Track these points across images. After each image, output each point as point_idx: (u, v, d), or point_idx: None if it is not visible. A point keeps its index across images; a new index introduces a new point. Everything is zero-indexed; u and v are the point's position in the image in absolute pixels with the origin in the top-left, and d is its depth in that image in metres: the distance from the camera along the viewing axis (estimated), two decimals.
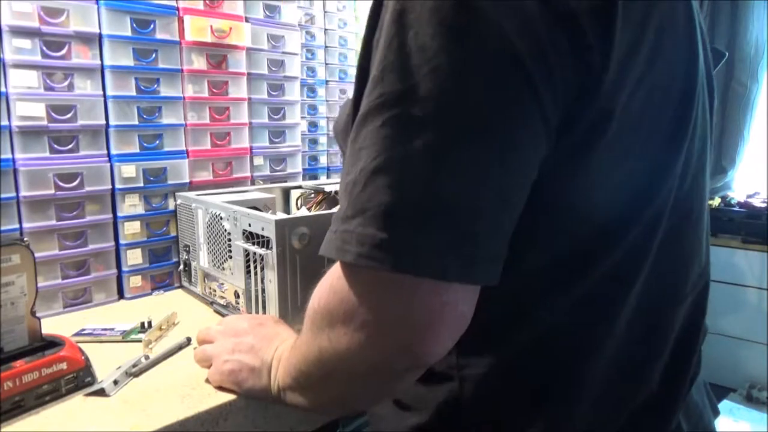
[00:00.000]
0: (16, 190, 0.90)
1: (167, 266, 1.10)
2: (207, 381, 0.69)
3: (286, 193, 1.21)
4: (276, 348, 0.63)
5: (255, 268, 0.85)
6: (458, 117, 0.39)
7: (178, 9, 1.07)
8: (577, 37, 0.40)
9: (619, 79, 0.43)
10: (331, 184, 1.23)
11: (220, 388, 0.67)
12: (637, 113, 0.46)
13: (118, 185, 1.01)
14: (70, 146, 0.95)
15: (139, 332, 0.84)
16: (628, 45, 0.43)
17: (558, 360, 0.50)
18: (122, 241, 1.03)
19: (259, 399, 0.65)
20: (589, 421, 0.50)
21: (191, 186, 1.11)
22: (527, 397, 0.50)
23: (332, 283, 0.46)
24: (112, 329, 0.85)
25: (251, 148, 1.22)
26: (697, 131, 0.53)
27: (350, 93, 1.54)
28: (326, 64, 1.49)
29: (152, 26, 1.03)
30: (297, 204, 1.16)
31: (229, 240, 0.90)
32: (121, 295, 1.04)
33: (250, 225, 0.85)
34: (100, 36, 0.97)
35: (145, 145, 1.04)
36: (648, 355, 0.54)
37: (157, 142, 1.06)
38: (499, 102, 0.39)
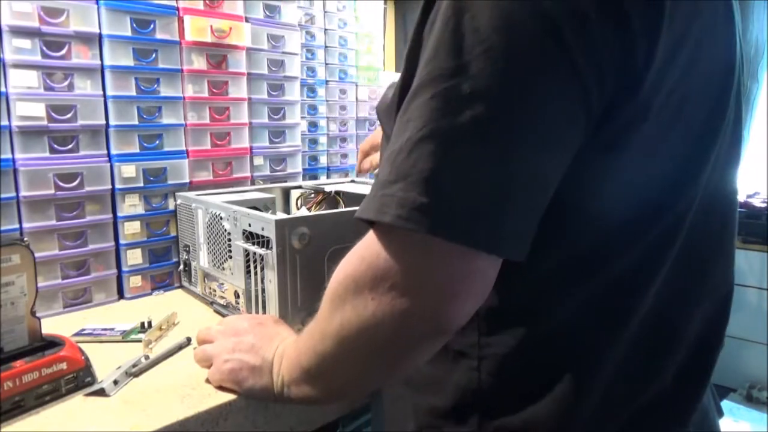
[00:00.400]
0: (16, 190, 0.90)
1: (167, 266, 1.10)
2: (207, 381, 0.69)
3: (286, 193, 1.21)
4: (277, 347, 0.63)
5: (255, 268, 0.85)
6: (504, 96, 0.41)
7: (178, 9, 1.07)
8: (625, 30, 0.42)
9: (660, 77, 0.44)
10: (331, 184, 1.23)
11: (221, 387, 0.67)
12: (672, 113, 0.47)
13: (118, 185, 1.01)
14: (70, 146, 0.95)
15: (139, 332, 0.84)
16: (672, 43, 0.45)
17: (575, 349, 0.51)
18: (122, 241, 1.03)
19: (259, 399, 0.65)
20: (597, 411, 0.50)
21: (191, 186, 1.11)
22: (542, 382, 0.51)
23: (361, 252, 0.47)
24: (112, 329, 0.85)
25: (251, 148, 1.22)
26: (727, 137, 0.54)
27: (350, 92, 1.54)
28: (326, 64, 1.49)
29: (152, 26, 1.03)
30: (297, 204, 1.16)
31: (229, 240, 0.90)
32: (121, 295, 1.04)
33: (250, 225, 0.85)
34: (100, 36, 0.97)
35: (145, 145, 1.04)
36: (660, 351, 0.54)
37: (157, 142, 1.06)
38: (543, 86, 0.41)
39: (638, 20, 0.42)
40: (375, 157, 1.13)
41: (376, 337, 0.48)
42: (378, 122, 1.18)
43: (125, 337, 0.83)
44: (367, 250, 0.47)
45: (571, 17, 0.41)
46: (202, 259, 1.00)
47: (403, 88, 0.49)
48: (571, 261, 0.49)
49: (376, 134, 1.15)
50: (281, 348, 0.63)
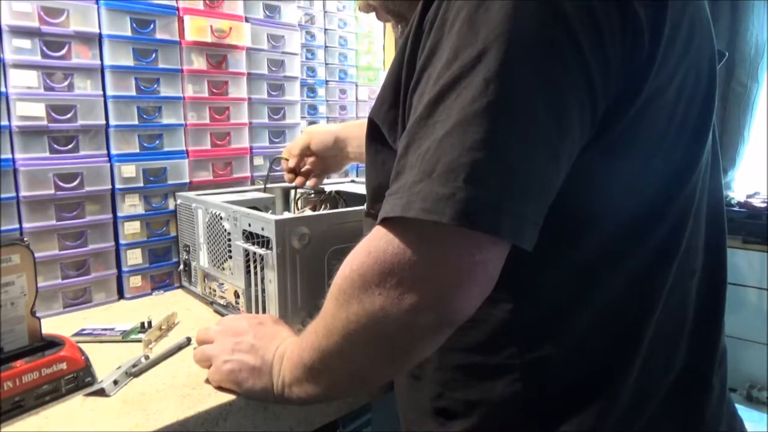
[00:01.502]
0: (16, 190, 0.90)
1: (167, 266, 1.10)
2: (207, 381, 0.69)
3: (286, 193, 1.21)
4: (277, 347, 0.63)
5: (255, 268, 0.85)
6: (516, 84, 0.42)
7: (178, 9, 1.07)
8: (631, 23, 0.43)
9: (660, 70, 0.46)
10: (331, 184, 1.23)
11: (220, 388, 0.67)
12: (670, 107, 0.49)
13: (118, 185, 1.01)
14: (70, 146, 0.95)
15: (139, 332, 0.84)
16: (670, 31, 0.46)
17: (616, 337, 0.52)
18: (122, 241, 1.03)
19: (258, 399, 0.65)
20: (638, 391, 0.52)
21: (191, 186, 1.11)
22: (592, 376, 0.51)
23: (367, 247, 0.48)
24: (112, 329, 0.85)
25: (251, 148, 1.22)
26: (713, 127, 0.56)
27: (350, 92, 1.54)
28: (326, 64, 1.49)
29: (152, 26, 1.03)
30: (297, 204, 1.16)
31: (229, 240, 0.90)
32: (121, 295, 1.04)
33: (250, 225, 0.85)
34: (100, 36, 0.97)
35: (145, 145, 1.04)
36: (679, 324, 0.56)
37: (157, 142, 1.06)
38: (555, 75, 0.42)
39: (643, 13, 0.44)
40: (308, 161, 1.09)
41: (384, 332, 0.48)
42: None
43: (125, 337, 0.83)
44: (374, 246, 0.47)
45: (579, 10, 0.42)
46: (202, 259, 1.00)
47: (399, 89, 0.49)
48: (603, 251, 0.50)
49: (301, 142, 1.08)
50: (281, 348, 0.63)
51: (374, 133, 0.58)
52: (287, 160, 1.08)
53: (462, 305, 0.46)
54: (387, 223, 0.46)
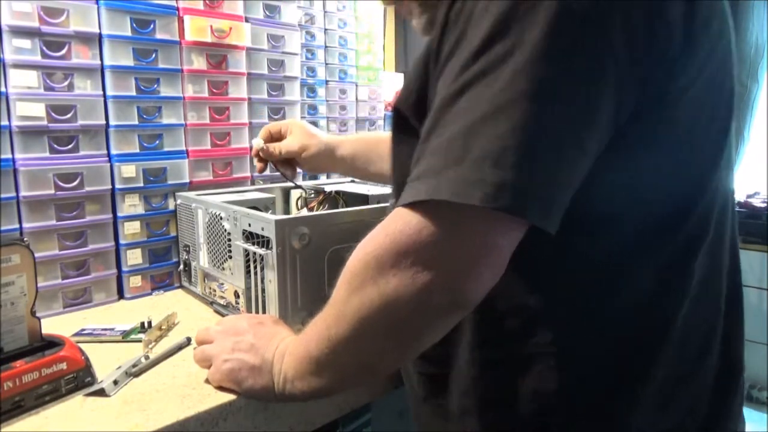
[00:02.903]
0: (16, 190, 0.90)
1: (167, 266, 1.10)
2: (207, 381, 0.69)
3: (286, 193, 1.21)
4: (277, 345, 0.63)
5: (255, 268, 0.85)
6: (547, 77, 0.43)
7: (178, 9, 1.07)
8: (661, 15, 0.44)
9: (690, 66, 0.47)
10: (331, 184, 1.23)
11: (220, 388, 0.67)
12: (701, 96, 0.49)
13: (118, 185, 1.01)
14: (70, 146, 0.95)
15: (139, 332, 0.84)
16: (701, 28, 0.47)
17: (647, 326, 0.52)
18: (122, 241, 1.03)
19: (258, 398, 0.65)
20: (670, 378, 0.53)
21: (191, 186, 1.11)
22: (623, 364, 0.52)
23: (386, 230, 0.48)
24: (112, 329, 0.85)
25: (251, 148, 1.22)
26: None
27: (350, 92, 1.54)
28: (326, 64, 1.49)
29: (152, 26, 1.03)
30: (297, 204, 1.16)
31: (229, 240, 0.90)
32: (121, 295, 1.04)
33: (250, 225, 0.85)
34: (100, 36, 0.97)
35: (145, 145, 1.04)
36: (712, 317, 0.57)
37: (157, 142, 1.06)
38: (583, 67, 0.43)
39: (674, 10, 0.45)
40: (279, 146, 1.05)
41: (397, 314, 0.48)
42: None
43: (125, 337, 0.83)
44: (392, 228, 0.48)
45: (611, 7, 0.43)
46: (202, 259, 1.00)
47: (426, 80, 0.51)
48: (634, 240, 0.51)
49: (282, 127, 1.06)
50: (282, 346, 0.63)
51: (400, 125, 0.59)
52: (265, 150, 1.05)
53: (475, 287, 0.47)
54: (409, 206, 0.47)
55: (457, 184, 0.43)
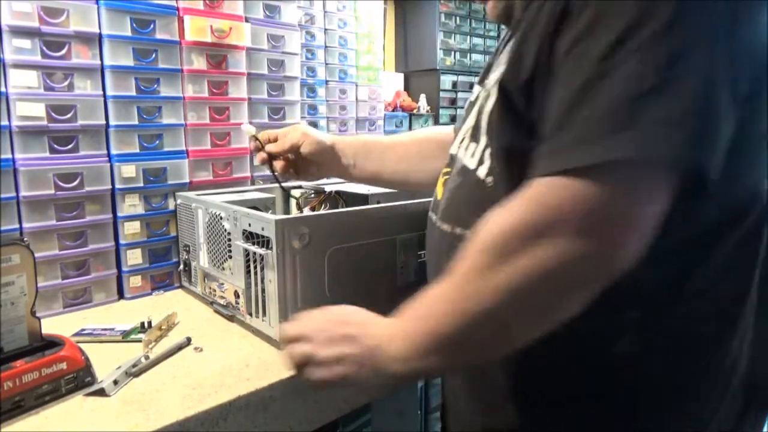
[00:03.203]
0: (16, 190, 0.90)
1: (167, 266, 1.10)
2: (310, 385, 0.63)
3: (286, 194, 1.21)
4: (377, 331, 0.60)
5: (255, 268, 0.85)
6: (706, 45, 0.44)
7: (178, 9, 1.07)
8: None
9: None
10: (331, 184, 1.23)
11: (316, 386, 0.62)
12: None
13: (118, 185, 1.01)
14: (70, 146, 0.95)
15: (139, 332, 0.84)
16: None
17: (722, 306, 0.54)
18: (122, 241, 1.03)
19: (367, 385, 0.63)
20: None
21: (191, 186, 1.11)
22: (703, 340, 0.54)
23: (539, 198, 0.47)
24: (112, 329, 0.85)
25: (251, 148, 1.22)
26: None
27: (350, 92, 1.54)
28: (326, 64, 1.49)
29: (152, 26, 1.03)
30: (297, 204, 1.16)
31: (229, 240, 0.90)
32: (121, 295, 1.04)
33: (250, 225, 0.85)
34: (100, 36, 0.97)
35: (145, 145, 1.04)
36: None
37: (157, 142, 1.06)
38: (721, 48, 0.45)
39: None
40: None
41: (554, 285, 0.47)
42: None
43: (125, 337, 0.83)
44: (545, 196, 0.46)
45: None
46: (202, 259, 1.00)
47: (535, 62, 0.51)
48: (713, 226, 0.52)
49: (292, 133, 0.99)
50: (386, 330, 0.59)
51: (504, 103, 0.57)
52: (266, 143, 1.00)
53: (632, 254, 0.46)
54: (564, 174, 0.46)
55: (623, 144, 0.43)
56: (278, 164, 0.98)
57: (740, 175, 0.52)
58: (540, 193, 0.47)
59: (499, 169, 0.59)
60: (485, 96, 0.64)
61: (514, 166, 0.54)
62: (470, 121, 0.67)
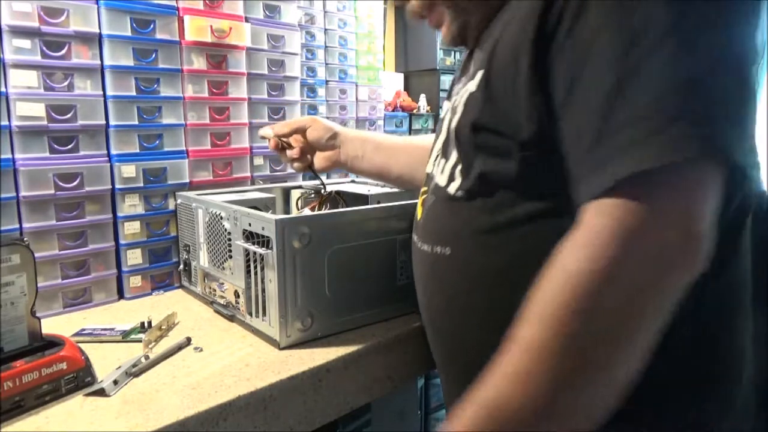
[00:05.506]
0: (16, 190, 0.90)
1: (167, 266, 1.10)
2: None
3: (286, 193, 1.21)
4: None
5: (255, 267, 0.85)
6: (735, 38, 0.44)
7: (178, 9, 1.07)
8: None
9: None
10: (331, 184, 1.23)
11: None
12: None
13: (118, 185, 1.01)
14: (70, 146, 0.95)
15: (139, 332, 0.84)
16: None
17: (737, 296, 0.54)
18: (122, 241, 1.03)
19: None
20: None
21: (191, 186, 1.11)
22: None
23: (610, 239, 0.41)
24: (112, 329, 0.85)
25: (251, 148, 1.22)
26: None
27: (350, 92, 1.54)
28: (326, 64, 1.49)
29: (152, 26, 1.03)
30: (297, 204, 1.16)
31: (229, 240, 0.90)
32: (121, 295, 1.04)
33: (250, 225, 0.85)
34: (100, 36, 0.97)
35: (145, 145, 1.04)
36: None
37: (157, 142, 1.06)
38: (745, 46, 0.44)
39: None
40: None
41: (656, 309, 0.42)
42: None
43: (125, 337, 0.83)
44: (622, 231, 0.41)
45: None
46: (202, 259, 1.00)
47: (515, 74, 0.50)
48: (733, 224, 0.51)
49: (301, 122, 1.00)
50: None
51: (477, 115, 0.55)
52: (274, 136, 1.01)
53: (706, 259, 0.42)
54: (614, 192, 0.41)
55: (693, 141, 0.40)
56: (292, 153, 0.99)
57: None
58: (601, 225, 0.42)
59: (468, 185, 0.58)
60: (452, 112, 0.62)
61: (485, 182, 0.54)
62: (441, 137, 0.66)
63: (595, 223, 0.42)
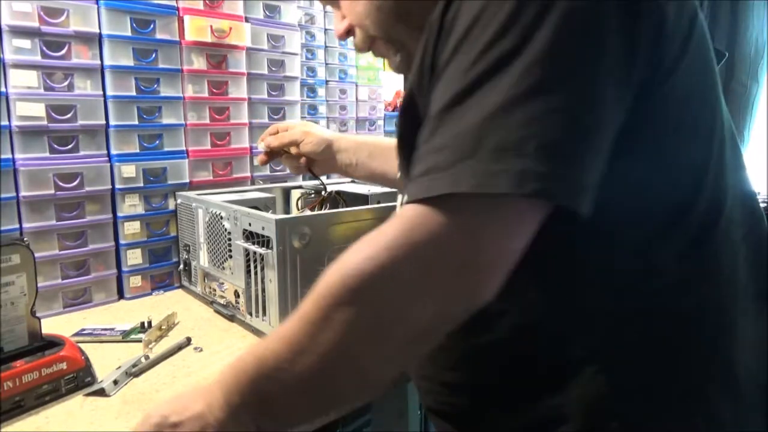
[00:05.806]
0: (16, 190, 0.90)
1: (167, 266, 1.09)
2: None
3: (286, 193, 1.21)
4: (194, 396, 0.52)
5: (255, 267, 0.85)
6: (559, 65, 0.42)
7: (178, 9, 1.07)
8: (655, 10, 0.45)
9: (678, 54, 0.47)
10: (331, 184, 1.23)
11: None
12: (681, 94, 0.49)
13: (118, 185, 1.01)
14: (70, 146, 0.95)
15: (139, 332, 0.84)
16: (688, 18, 0.48)
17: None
18: (122, 241, 1.03)
19: None
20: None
21: (191, 186, 1.11)
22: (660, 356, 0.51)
23: (397, 235, 0.44)
24: (112, 329, 0.85)
25: (251, 148, 1.22)
26: (728, 132, 0.55)
27: (350, 92, 1.54)
28: (326, 64, 1.49)
29: (152, 26, 1.03)
30: (297, 204, 1.16)
31: (230, 239, 0.90)
32: (121, 295, 1.04)
33: (250, 224, 0.85)
34: (100, 36, 0.97)
35: (145, 145, 1.04)
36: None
37: (157, 142, 1.06)
38: (595, 59, 0.43)
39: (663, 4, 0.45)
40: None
41: (412, 326, 0.44)
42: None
43: (125, 337, 0.83)
44: (407, 232, 0.43)
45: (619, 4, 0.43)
46: (202, 259, 1.00)
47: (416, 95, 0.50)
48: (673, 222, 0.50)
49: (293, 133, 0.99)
50: (200, 390, 0.52)
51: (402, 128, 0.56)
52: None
53: (492, 287, 0.44)
54: (417, 204, 0.44)
55: (476, 175, 0.41)
56: (285, 164, 1.00)
57: (654, 194, 0.49)
58: (396, 228, 0.45)
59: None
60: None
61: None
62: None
63: (388, 225, 0.45)
